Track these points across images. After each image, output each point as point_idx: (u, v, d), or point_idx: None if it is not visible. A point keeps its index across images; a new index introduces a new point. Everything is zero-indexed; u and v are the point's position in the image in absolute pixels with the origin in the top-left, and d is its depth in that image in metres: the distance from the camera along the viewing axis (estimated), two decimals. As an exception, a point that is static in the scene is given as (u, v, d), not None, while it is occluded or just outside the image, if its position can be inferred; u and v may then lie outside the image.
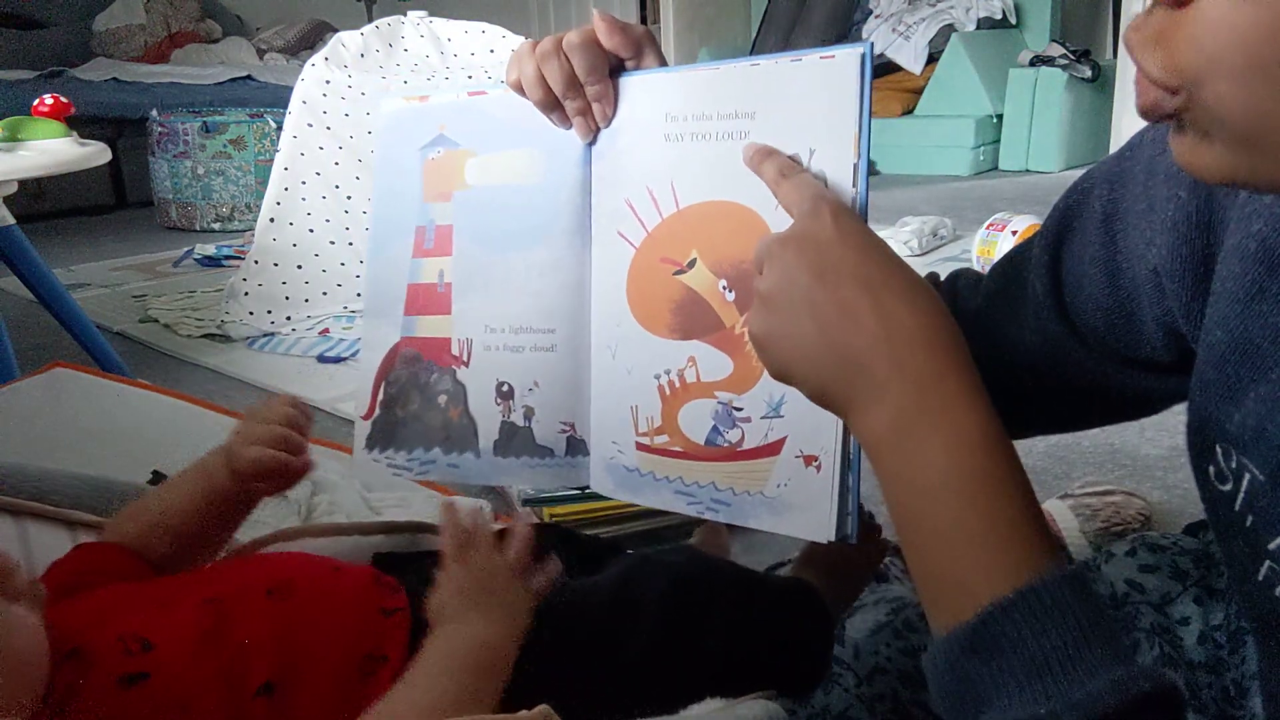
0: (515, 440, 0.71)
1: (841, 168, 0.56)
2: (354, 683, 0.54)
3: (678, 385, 0.64)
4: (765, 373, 0.59)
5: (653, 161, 0.64)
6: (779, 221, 0.59)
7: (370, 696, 0.53)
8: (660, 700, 0.61)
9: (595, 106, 0.65)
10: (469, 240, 0.71)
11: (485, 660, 0.56)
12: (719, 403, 0.62)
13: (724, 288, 0.61)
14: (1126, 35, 0.39)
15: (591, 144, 0.67)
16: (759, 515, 0.61)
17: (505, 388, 0.70)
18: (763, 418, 0.60)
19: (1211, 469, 0.51)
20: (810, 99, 0.58)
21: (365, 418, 0.74)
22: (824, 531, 0.57)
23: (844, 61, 0.56)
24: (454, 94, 0.72)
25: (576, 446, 0.70)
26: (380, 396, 0.73)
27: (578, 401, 0.69)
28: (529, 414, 0.70)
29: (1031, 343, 0.65)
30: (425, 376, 0.72)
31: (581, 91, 0.64)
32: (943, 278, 0.74)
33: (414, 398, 0.72)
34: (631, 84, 0.65)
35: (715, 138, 0.61)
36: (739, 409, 0.61)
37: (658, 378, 0.64)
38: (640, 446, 0.66)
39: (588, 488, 0.71)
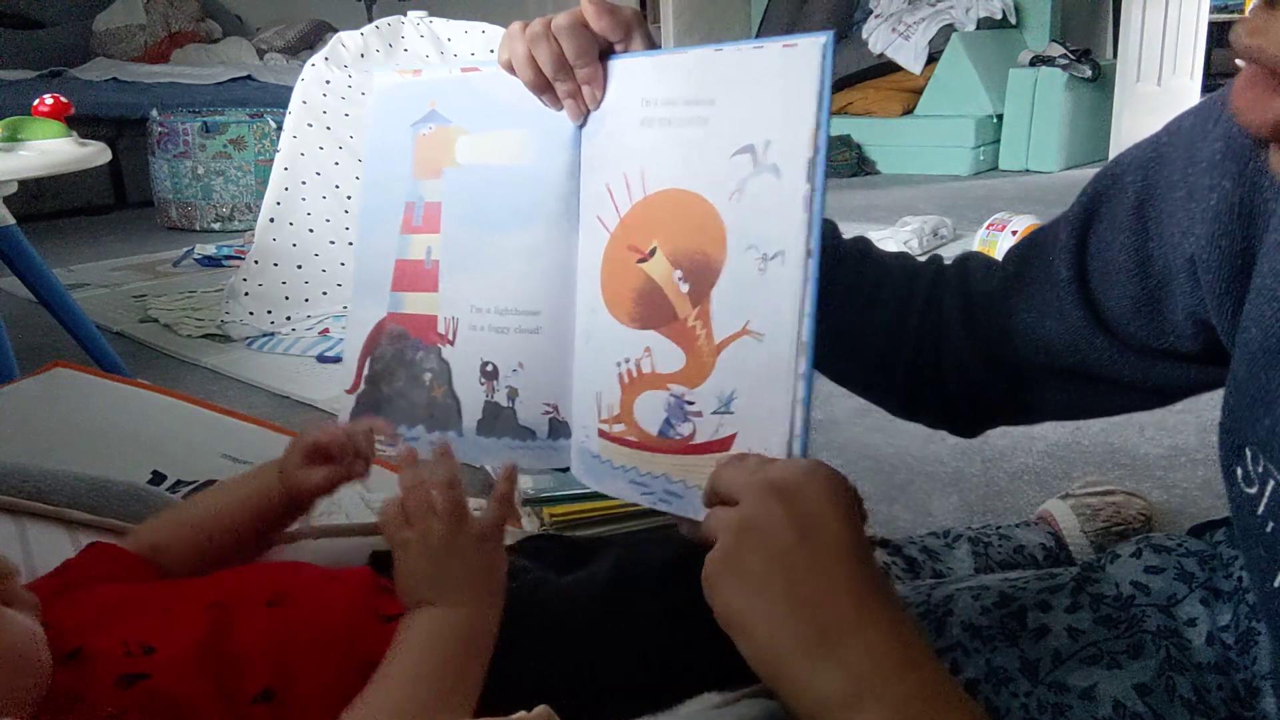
0: (499, 421, 0.70)
1: (796, 160, 0.55)
2: (355, 689, 0.54)
3: (635, 375, 0.63)
4: (719, 369, 0.58)
5: (629, 146, 0.64)
6: (731, 212, 0.58)
7: None
8: (658, 696, 0.61)
9: (585, 89, 0.65)
10: (457, 219, 0.71)
11: (468, 643, 0.54)
12: (671, 395, 0.61)
13: (679, 278, 0.60)
14: (1239, 38, 0.36)
15: (582, 126, 0.67)
16: None
17: (489, 368, 0.70)
18: (714, 413, 0.59)
19: (1239, 470, 0.50)
20: (769, 87, 0.56)
21: (350, 391, 0.74)
22: None
23: (805, 50, 0.55)
24: (446, 69, 0.72)
25: (559, 429, 0.70)
26: (365, 371, 0.73)
27: (561, 384, 0.69)
28: (513, 395, 0.70)
29: (1050, 328, 0.64)
30: (411, 353, 0.72)
31: (571, 74, 0.64)
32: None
33: (399, 374, 0.72)
34: (618, 67, 0.65)
35: (679, 124, 0.61)
36: (690, 403, 0.60)
37: (618, 366, 0.64)
38: (601, 434, 0.65)
39: (568, 469, 0.70)
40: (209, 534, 0.66)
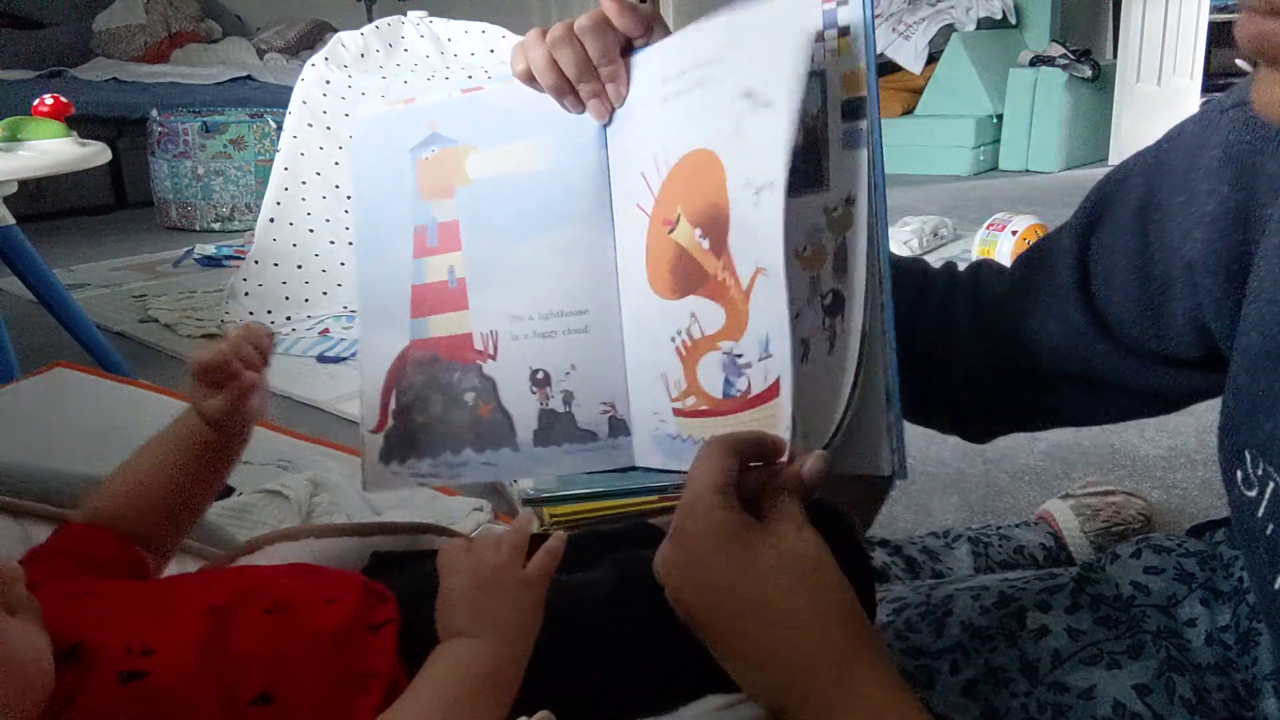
0: (556, 427, 0.69)
1: (786, 93, 0.56)
2: (348, 699, 0.54)
3: (690, 344, 0.63)
4: (752, 315, 0.59)
5: (655, 131, 0.65)
6: (729, 155, 0.59)
7: (365, 709, 0.53)
8: (660, 698, 0.61)
9: (609, 88, 0.65)
10: (479, 233, 0.70)
11: (495, 681, 0.53)
12: (723, 353, 0.61)
13: (699, 236, 0.61)
14: None
15: (606, 125, 0.67)
16: None
17: (540, 375, 0.69)
18: (759, 360, 0.59)
19: (1239, 474, 0.51)
20: (766, 33, 0.58)
21: (376, 431, 0.70)
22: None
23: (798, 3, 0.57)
24: (444, 93, 0.72)
25: (618, 427, 0.69)
26: (392, 406, 0.70)
27: (616, 381, 0.69)
28: (568, 398, 0.69)
29: (1054, 333, 0.65)
30: (446, 376, 0.70)
31: (595, 74, 0.65)
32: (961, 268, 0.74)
33: (434, 400, 0.70)
34: (640, 61, 0.65)
35: (689, 89, 0.62)
36: (739, 355, 0.60)
37: (673, 340, 0.64)
38: (676, 412, 0.65)
39: (631, 468, 0.70)
40: (153, 490, 0.65)
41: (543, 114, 0.68)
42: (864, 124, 0.58)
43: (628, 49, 0.65)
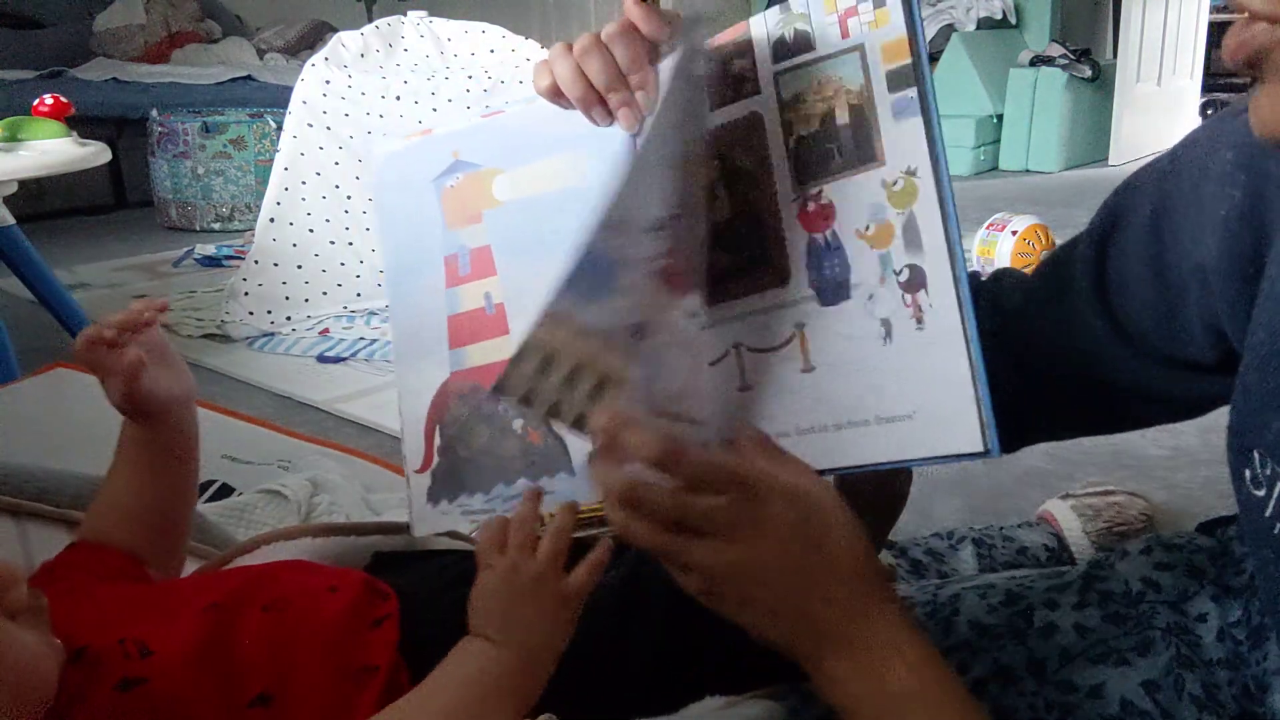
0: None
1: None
2: (348, 694, 0.54)
3: None
4: None
5: None
6: None
7: (365, 705, 0.52)
8: (663, 699, 0.61)
9: (640, 95, 0.64)
10: (514, 256, 0.69)
11: (511, 693, 0.53)
12: None
13: None
14: None
15: (636, 134, 0.66)
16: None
17: None
18: None
19: (1248, 473, 0.51)
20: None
21: (422, 470, 0.69)
22: None
23: None
24: (464, 120, 0.71)
25: None
26: (437, 442, 0.69)
27: None
28: None
29: (1074, 342, 0.65)
30: (490, 406, 0.68)
31: (625, 83, 0.63)
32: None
33: (481, 432, 0.69)
34: (668, 67, 0.64)
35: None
36: None
37: None
38: None
39: None
40: (128, 507, 0.66)
41: (569, 130, 0.66)
42: (913, 92, 0.57)
43: (653, 56, 0.64)
